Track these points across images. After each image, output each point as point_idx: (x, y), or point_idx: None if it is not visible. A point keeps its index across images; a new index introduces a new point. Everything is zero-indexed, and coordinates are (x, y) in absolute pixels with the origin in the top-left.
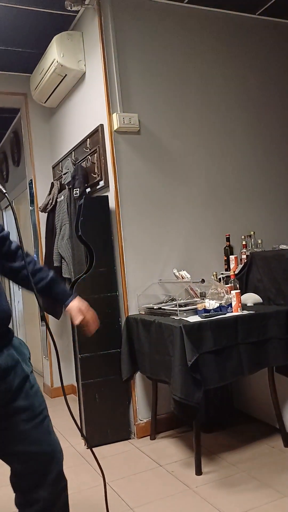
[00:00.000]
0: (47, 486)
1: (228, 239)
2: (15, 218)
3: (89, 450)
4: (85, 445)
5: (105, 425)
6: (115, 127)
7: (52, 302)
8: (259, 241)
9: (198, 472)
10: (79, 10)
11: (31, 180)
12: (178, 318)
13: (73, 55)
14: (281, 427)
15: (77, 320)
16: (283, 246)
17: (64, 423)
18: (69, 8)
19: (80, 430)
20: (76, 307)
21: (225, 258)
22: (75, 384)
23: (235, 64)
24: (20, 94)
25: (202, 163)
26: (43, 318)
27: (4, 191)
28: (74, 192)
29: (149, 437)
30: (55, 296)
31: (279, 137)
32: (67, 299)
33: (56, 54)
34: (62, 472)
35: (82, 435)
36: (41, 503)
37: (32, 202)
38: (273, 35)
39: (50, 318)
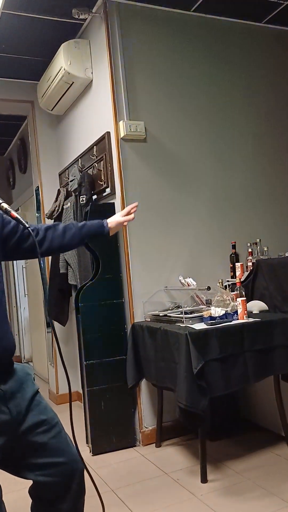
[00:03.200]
0: (69, 498)
1: (234, 247)
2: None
3: (94, 457)
4: (90, 451)
5: (110, 432)
6: (122, 134)
7: (96, 238)
8: (265, 249)
9: (204, 480)
10: (86, 19)
11: (38, 187)
12: (184, 325)
13: (80, 63)
14: (287, 435)
15: (125, 222)
16: None
17: (69, 429)
18: (76, 17)
19: (74, 439)
20: (115, 221)
21: (231, 265)
22: (80, 391)
23: (241, 73)
24: (27, 101)
25: (208, 171)
26: (49, 325)
27: (26, 224)
28: (81, 199)
29: (154, 444)
30: (92, 234)
31: (284, 146)
32: (101, 227)
33: (63, 62)
34: (84, 484)
35: (88, 440)
36: None
37: (38, 208)
38: (279, 44)
39: (56, 325)
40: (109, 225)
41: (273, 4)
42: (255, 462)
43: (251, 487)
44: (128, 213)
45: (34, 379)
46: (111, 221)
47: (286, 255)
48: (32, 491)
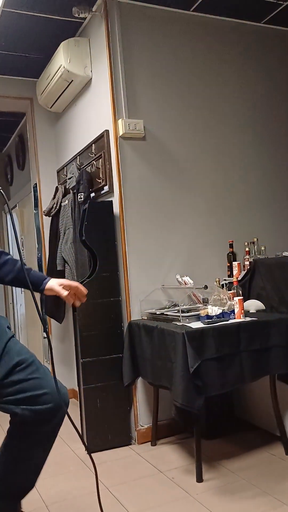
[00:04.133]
0: (50, 429)
1: (231, 246)
2: (12, 223)
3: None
4: (85, 449)
5: (105, 430)
6: (121, 133)
7: (31, 290)
8: (262, 248)
9: (199, 479)
10: (86, 17)
11: (36, 184)
12: (181, 324)
13: (79, 61)
14: (282, 435)
15: (65, 292)
16: (286, 253)
17: (64, 427)
18: (76, 15)
19: (80, 436)
20: (56, 283)
21: (228, 264)
22: (76, 389)
23: (240, 72)
24: (26, 98)
25: (207, 170)
26: (43, 322)
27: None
28: (79, 196)
29: (149, 443)
30: (32, 283)
31: (284, 146)
32: (42, 283)
33: (63, 59)
34: (59, 426)
35: (82, 440)
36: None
37: (36, 205)
38: (279, 44)
39: (52, 322)
40: (47, 286)
41: (273, 5)
42: (250, 462)
43: (246, 487)
44: (72, 292)
45: (9, 328)
46: (52, 285)
47: (283, 255)
48: (13, 422)
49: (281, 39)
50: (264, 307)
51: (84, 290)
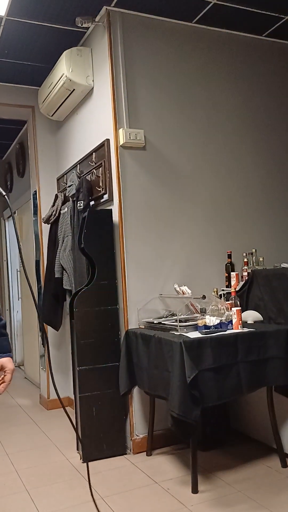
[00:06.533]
0: None
1: (229, 256)
2: (14, 226)
3: (84, 464)
4: (80, 459)
5: (101, 439)
6: (121, 142)
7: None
8: (261, 259)
9: (194, 490)
10: (89, 27)
11: (35, 191)
12: (178, 333)
13: (82, 70)
14: (279, 447)
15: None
16: (284, 265)
17: (59, 435)
18: (79, 25)
19: (81, 441)
20: (1, 363)
21: (226, 274)
22: (72, 397)
23: (241, 84)
24: (28, 106)
25: (207, 181)
26: (41, 330)
27: (4, 193)
28: (78, 204)
29: (145, 453)
30: None
31: (282, 158)
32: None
33: (65, 68)
34: None
35: (78, 447)
36: None
37: (35, 213)
38: (279, 57)
39: (49, 330)
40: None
41: (274, 18)
42: (246, 474)
43: (242, 499)
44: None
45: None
46: (3, 361)
47: (282, 266)
48: None
49: (282, 52)
50: (262, 318)
51: (4, 388)
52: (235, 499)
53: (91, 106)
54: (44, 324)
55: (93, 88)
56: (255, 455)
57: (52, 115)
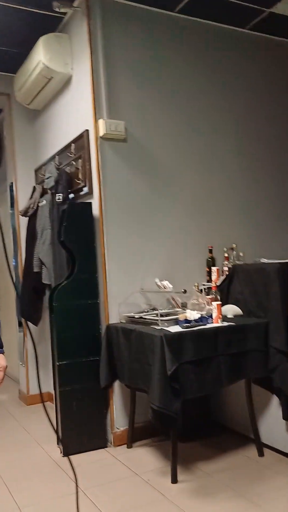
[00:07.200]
0: None
1: (210, 251)
2: None
3: (64, 458)
4: (60, 452)
5: (82, 433)
6: (101, 133)
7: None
8: (241, 254)
9: (174, 480)
10: (67, 12)
11: (12, 182)
12: (159, 327)
13: (60, 57)
14: (256, 437)
15: None
16: (263, 260)
17: (39, 430)
18: (57, 9)
19: (58, 437)
20: None
21: (207, 269)
22: (52, 392)
23: (223, 76)
24: (3, 94)
25: (188, 175)
26: (21, 324)
27: None
28: (57, 197)
29: (125, 445)
30: None
31: (264, 154)
32: None
33: (42, 55)
34: None
35: (58, 442)
36: None
37: (12, 205)
38: (261, 51)
39: (29, 325)
40: None
41: (256, 11)
42: (225, 464)
43: (221, 488)
44: None
45: None
46: None
47: (261, 261)
48: None
49: (264, 46)
50: (241, 313)
51: None
52: (214, 488)
53: (70, 95)
54: (23, 319)
55: (72, 76)
56: (234, 445)
57: (29, 104)
